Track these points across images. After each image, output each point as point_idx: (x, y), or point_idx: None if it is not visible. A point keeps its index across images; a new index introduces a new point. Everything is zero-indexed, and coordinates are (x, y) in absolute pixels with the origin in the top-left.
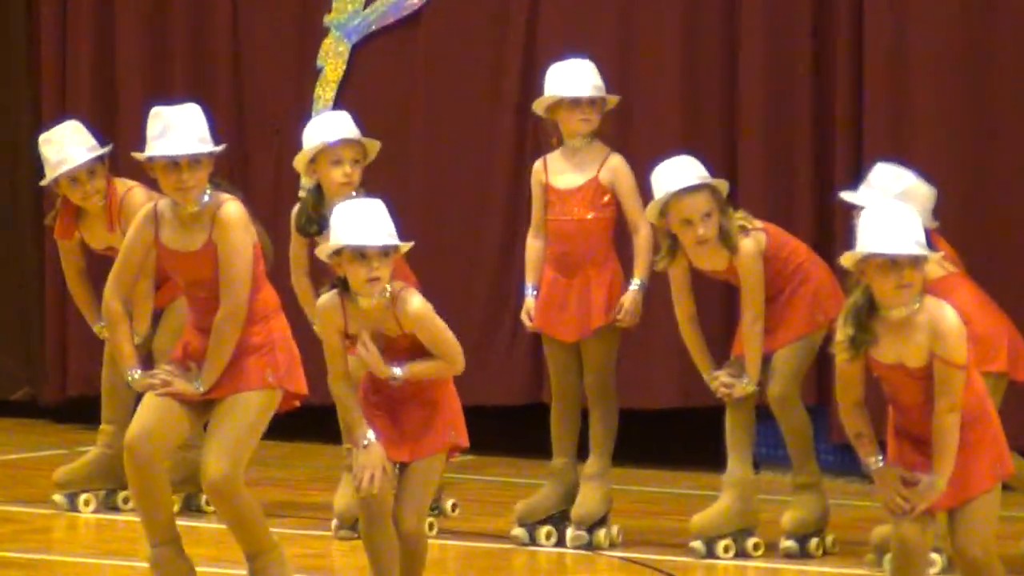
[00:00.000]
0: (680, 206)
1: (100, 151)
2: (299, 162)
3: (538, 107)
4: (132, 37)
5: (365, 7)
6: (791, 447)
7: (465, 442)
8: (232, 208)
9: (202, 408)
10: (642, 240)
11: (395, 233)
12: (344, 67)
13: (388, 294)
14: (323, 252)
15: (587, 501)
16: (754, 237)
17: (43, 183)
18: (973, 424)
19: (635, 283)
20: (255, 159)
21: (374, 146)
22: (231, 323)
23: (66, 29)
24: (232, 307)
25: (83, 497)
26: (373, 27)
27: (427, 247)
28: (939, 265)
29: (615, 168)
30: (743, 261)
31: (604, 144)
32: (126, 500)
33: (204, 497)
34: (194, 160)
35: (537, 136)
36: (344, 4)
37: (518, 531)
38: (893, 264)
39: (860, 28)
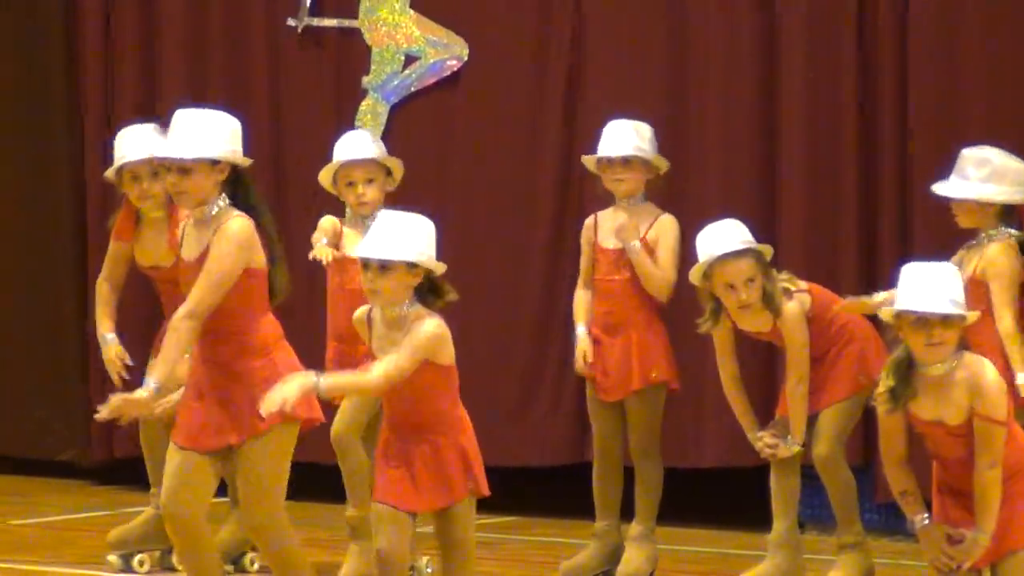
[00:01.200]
0: (724, 270)
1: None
2: (323, 182)
3: (587, 163)
4: (173, 95)
5: (404, 68)
6: (836, 507)
7: (485, 490)
8: (236, 223)
9: (226, 453)
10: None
11: (398, 249)
12: (382, 128)
13: (404, 312)
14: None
15: (632, 561)
16: (798, 299)
17: (107, 174)
18: (1015, 477)
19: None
20: (293, 220)
21: (395, 164)
22: (186, 323)
23: (112, 70)
24: (191, 307)
25: (138, 558)
26: (412, 88)
27: (466, 306)
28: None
29: (660, 225)
30: (787, 323)
31: (656, 205)
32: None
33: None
34: (181, 166)
35: (580, 193)
36: (382, 66)
37: None
38: (923, 322)
39: (905, 94)
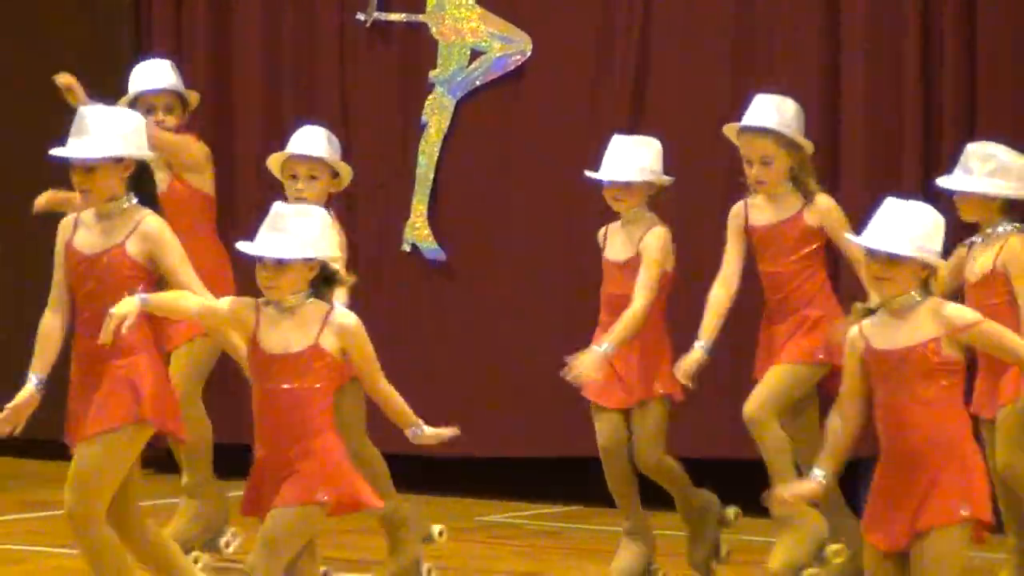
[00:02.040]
0: (743, 143)
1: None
2: (271, 167)
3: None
4: (245, 90)
5: (470, 63)
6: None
7: (333, 499)
8: (164, 224)
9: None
10: (630, 313)
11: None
12: (448, 122)
13: (302, 303)
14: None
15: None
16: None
17: (120, 102)
18: (951, 447)
19: (597, 348)
20: (360, 211)
21: (344, 168)
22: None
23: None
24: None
25: (193, 555)
26: (478, 82)
27: (531, 296)
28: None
29: (648, 239)
30: (819, 209)
31: (655, 216)
32: (227, 544)
33: None
34: (85, 165)
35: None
36: (449, 60)
37: None
38: (872, 255)
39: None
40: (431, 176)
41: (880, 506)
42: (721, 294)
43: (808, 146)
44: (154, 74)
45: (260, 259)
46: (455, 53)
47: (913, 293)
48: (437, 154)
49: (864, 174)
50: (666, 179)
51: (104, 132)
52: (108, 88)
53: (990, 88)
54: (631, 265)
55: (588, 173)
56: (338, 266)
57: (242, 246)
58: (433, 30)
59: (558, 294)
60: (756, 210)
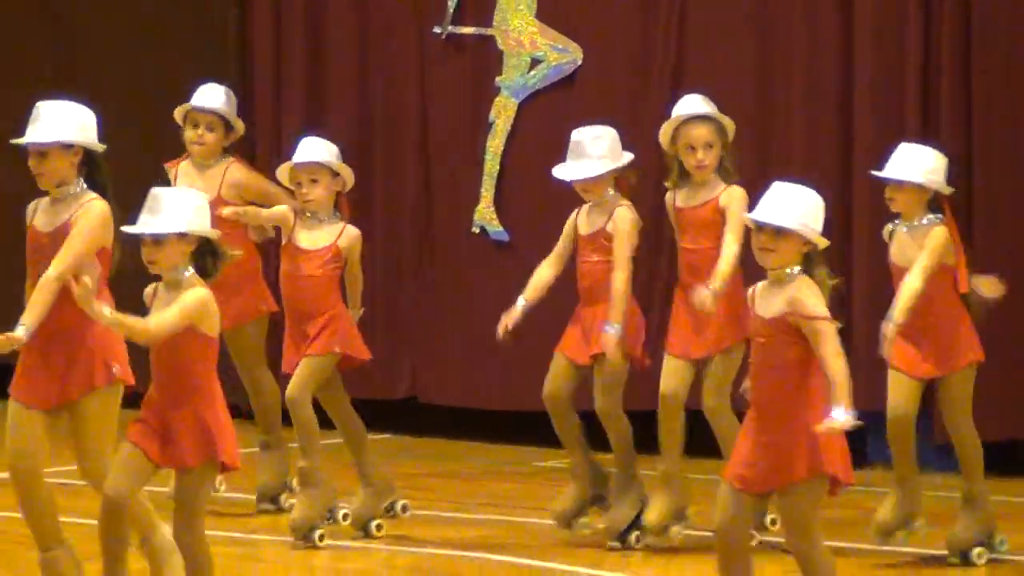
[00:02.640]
0: (687, 132)
1: (26, 140)
2: (280, 178)
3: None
4: (340, 92)
5: (530, 70)
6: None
7: (226, 458)
8: (99, 204)
9: (55, 414)
10: (616, 283)
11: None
12: (512, 121)
13: (181, 277)
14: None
15: (618, 508)
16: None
17: (175, 114)
18: (808, 408)
19: (608, 328)
20: (437, 206)
21: (346, 170)
22: (53, 284)
23: (280, 86)
24: (59, 271)
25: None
26: (537, 87)
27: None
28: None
29: (616, 219)
30: (733, 198)
31: (620, 196)
32: (287, 500)
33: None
34: (39, 150)
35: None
36: (512, 68)
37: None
38: (760, 228)
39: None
40: (497, 167)
41: (744, 450)
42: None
43: (731, 127)
44: (208, 95)
45: (141, 238)
46: (517, 61)
47: (790, 269)
48: (502, 148)
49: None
50: (625, 159)
51: (56, 122)
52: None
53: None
54: (595, 238)
55: (556, 173)
56: (217, 241)
57: (124, 228)
58: (499, 42)
59: None
60: (681, 196)
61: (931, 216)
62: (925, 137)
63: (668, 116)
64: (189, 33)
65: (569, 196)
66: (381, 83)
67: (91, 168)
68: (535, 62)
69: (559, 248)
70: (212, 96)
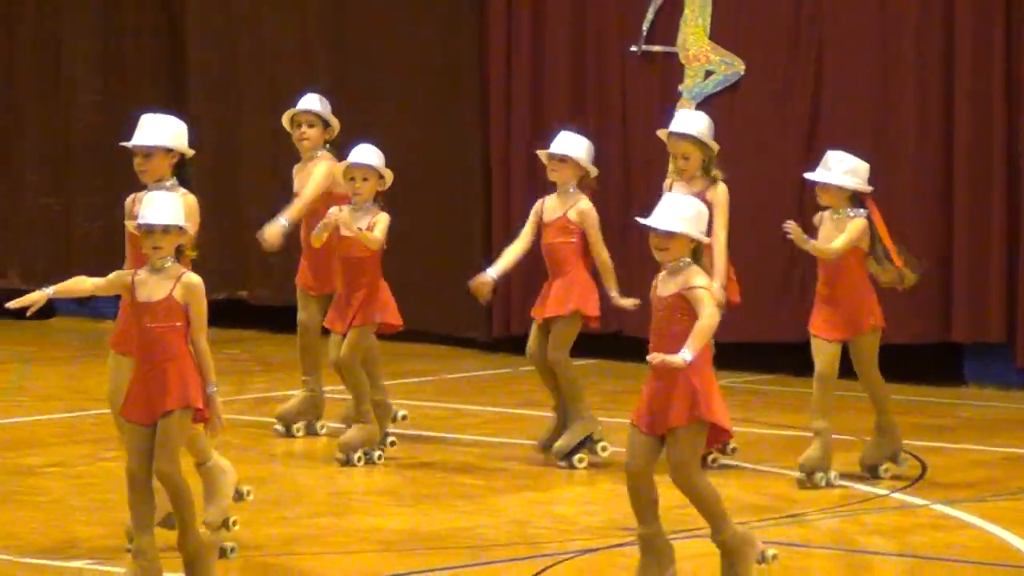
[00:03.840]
0: (671, 144)
1: (134, 143)
2: (337, 175)
3: (541, 156)
4: (555, 98)
5: (704, 79)
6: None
7: (195, 403)
8: (192, 196)
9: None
10: (605, 265)
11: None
12: None
13: (168, 265)
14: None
15: (566, 435)
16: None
17: (283, 119)
18: (685, 371)
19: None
20: (635, 179)
21: (388, 173)
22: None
23: (510, 78)
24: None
25: (295, 426)
26: (710, 92)
27: (742, 244)
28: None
29: (581, 212)
30: (718, 198)
31: (579, 192)
32: (322, 427)
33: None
34: (144, 152)
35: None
36: (691, 78)
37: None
38: (654, 232)
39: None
40: None
41: (644, 401)
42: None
43: (715, 147)
44: (306, 100)
45: (150, 228)
46: (695, 72)
47: (681, 260)
48: None
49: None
50: (594, 169)
51: (158, 130)
52: (457, 86)
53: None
54: (559, 223)
55: (541, 152)
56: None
57: (133, 225)
58: (680, 56)
59: (762, 243)
60: (678, 188)
61: (857, 210)
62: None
63: (811, 115)
64: (439, 64)
65: (734, 181)
66: (592, 90)
67: (182, 170)
68: (708, 73)
69: (527, 231)
70: (310, 101)
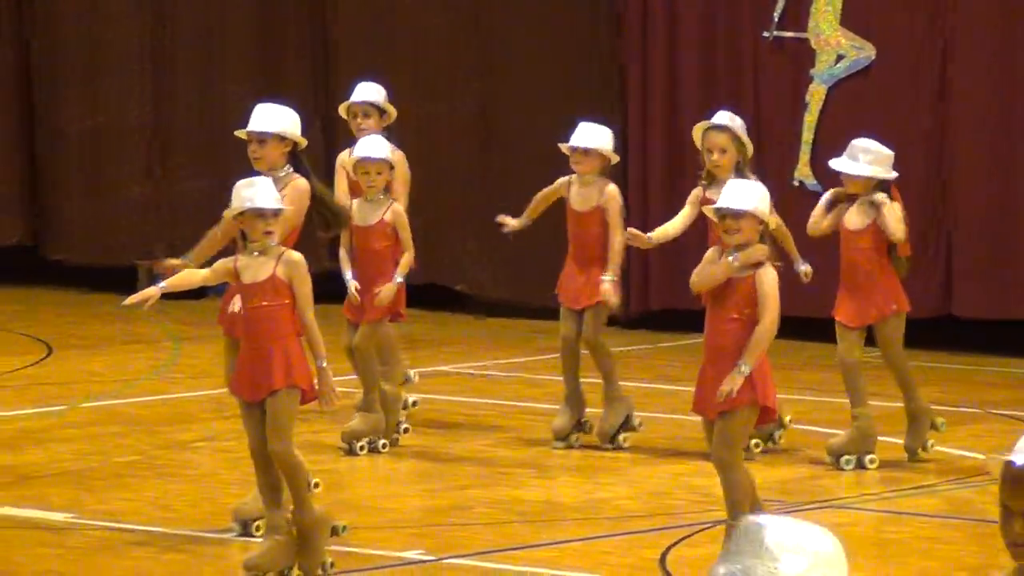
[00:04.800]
0: (708, 138)
1: (250, 129)
2: (346, 166)
3: (563, 149)
4: (688, 87)
5: (835, 64)
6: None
7: (301, 384)
8: (303, 181)
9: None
10: (616, 244)
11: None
12: (822, 102)
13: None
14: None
15: (607, 416)
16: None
17: (340, 109)
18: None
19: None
20: (767, 161)
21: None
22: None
23: (645, 65)
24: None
25: (359, 444)
26: (841, 77)
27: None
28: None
29: (608, 194)
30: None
31: (605, 179)
32: (384, 445)
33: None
34: (260, 138)
35: (941, 154)
36: (822, 62)
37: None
38: (720, 213)
39: None
40: (811, 137)
41: (703, 385)
42: (670, 228)
43: (750, 145)
44: (362, 90)
45: (261, 212)
46: (826, 57)
47: (749, 244)
48: (815, 123)
49: None
50: (616, 156)
51: (272, 118)
52: (593, 73)
53: None
54: (594, 213)
55: (563, 146)
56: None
57: (240, 208)
58: (811, 41)
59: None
60: (711, 191)
61: (883, 195)
62: None
63: (939, 97)
64: (574, 58)
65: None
66: (726, 76)
67: (296, 158)
68: (839, 58)
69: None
70: (365, 91)
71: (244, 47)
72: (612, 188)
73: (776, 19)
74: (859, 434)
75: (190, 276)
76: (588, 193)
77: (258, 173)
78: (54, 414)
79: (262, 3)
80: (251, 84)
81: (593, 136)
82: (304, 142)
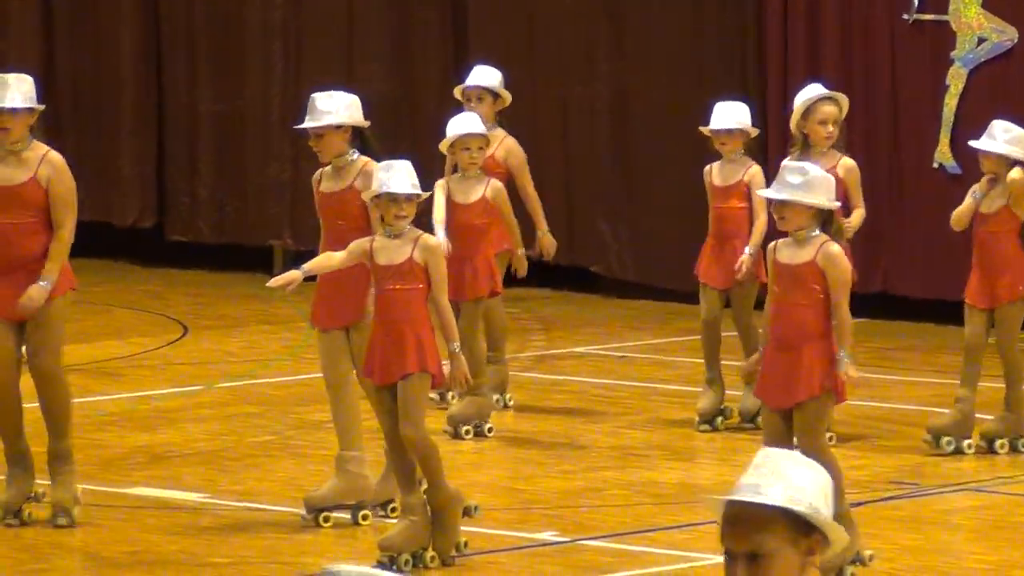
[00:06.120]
0: (820, 109)
1: (303, 126)
2: (443, 146)
3: (704, 131)
4: (828, 63)
5: (977, 46)
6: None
7: (432, 369)
8: (372, 164)
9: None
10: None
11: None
12: (962, 85)
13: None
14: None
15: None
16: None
17: (456, 90)
18: (813, 340)
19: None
20: (902, 145)
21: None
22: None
23: (786, 31)
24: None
25: (464, 428)
26: (982, 59)
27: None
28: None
29: (751, 172)
30: (848, 169)
31: (747, 158)
32: (491, 429)
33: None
34: (315, 132)
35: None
36: (963, 45)
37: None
38: (772, 202)
39: None
40: (952, 119)
41: (766, 376)
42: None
43: (754, 132)
44: (477, 74)
45: (395, 197)
46: (967, 40)
47: (807, 230)
48: (955, 105)
49: None
50: (754, 131)
51: (329, 108)
52: (734, 55)
53: None
54: (734, 188)
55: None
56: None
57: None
58: (952, 24)
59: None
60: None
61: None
62: None
63: None
64: (710, 41)
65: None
66: (862, 57)
67: (363, 140)
68: (981, 40)
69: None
70: (479, 75)
71: (378, 31)
72: (756, 168)
73: (916, 2)
74: (962, 417)
75: (328, 259)
76: (731, 169)
77: (328, 164)
78: (189, 394)
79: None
80: (386, 67)
81: (734, 115)
82: (366, 124)
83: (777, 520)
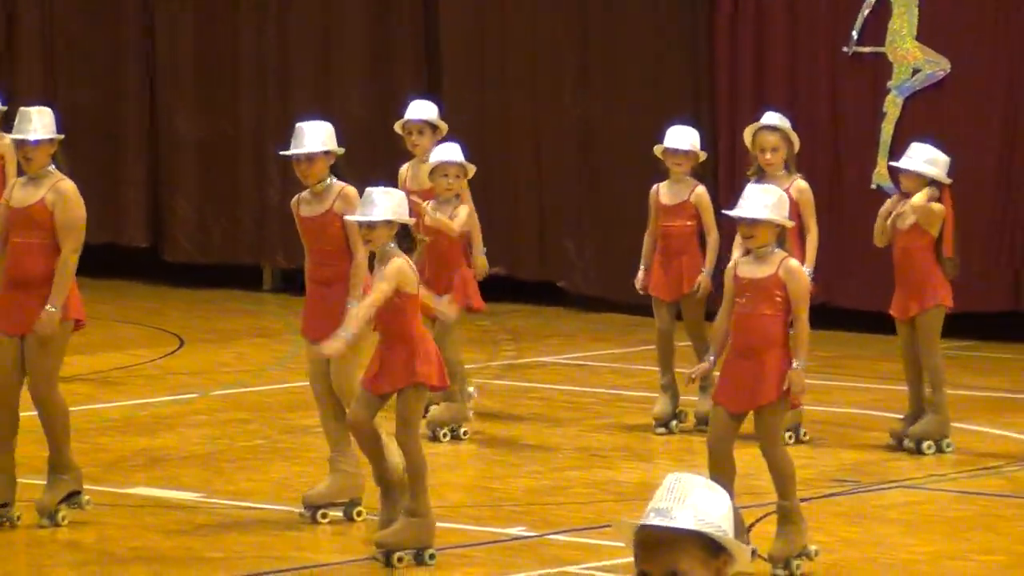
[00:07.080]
0: (761, 137)
1: (295, 152)
2: (423, 174)
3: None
4: (775, 91)
5: (912, 76)
6: None
7: (429, 380)
8: (353, 190)
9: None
10: (711, 241)
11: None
12: (898, 112)
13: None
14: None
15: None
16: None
17: (396, 125)
18: (771, 348)
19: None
20: (848, 165)
21: (471, 168)
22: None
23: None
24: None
25: (442, 431)
26: (916, 89)
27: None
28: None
29: (698, 193)
30: (801, 192)
31: (693, 179)
32: (466, 432)
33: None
34: (308, 157)
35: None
36: (899, 75)
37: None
38: (740, 221)
39: None
40: (888, 142)
41: (727, 382)
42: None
43: (797, 141)
44: (416, 108)
45: (371, 225)
46: (903, 70)
47: (768, 247)
48: (892, 130)
49: None
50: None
51: (315, 137)
52: (684, 85)
53: None
54: (681, 207)
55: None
56: (412, 230)
57: (354, 216)
58: (889, 56)
59: (966, 230)
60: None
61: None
62: None
63: (1012, 111)
64: (666, 71)
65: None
66: (806, 87)
67: (335, 166)
68: (915, 71)
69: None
70: (417, 109)
71: (357, 58)
72: (702, 188)
73: (855, 36)
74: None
75: (365, 315)
76: (679, 189)
77: (305, 188)
78: (185, 401)
79: (373, 16)
80: (363, 93)
81: (688, 138)
82: (341, 151)
83: (690, 542)
